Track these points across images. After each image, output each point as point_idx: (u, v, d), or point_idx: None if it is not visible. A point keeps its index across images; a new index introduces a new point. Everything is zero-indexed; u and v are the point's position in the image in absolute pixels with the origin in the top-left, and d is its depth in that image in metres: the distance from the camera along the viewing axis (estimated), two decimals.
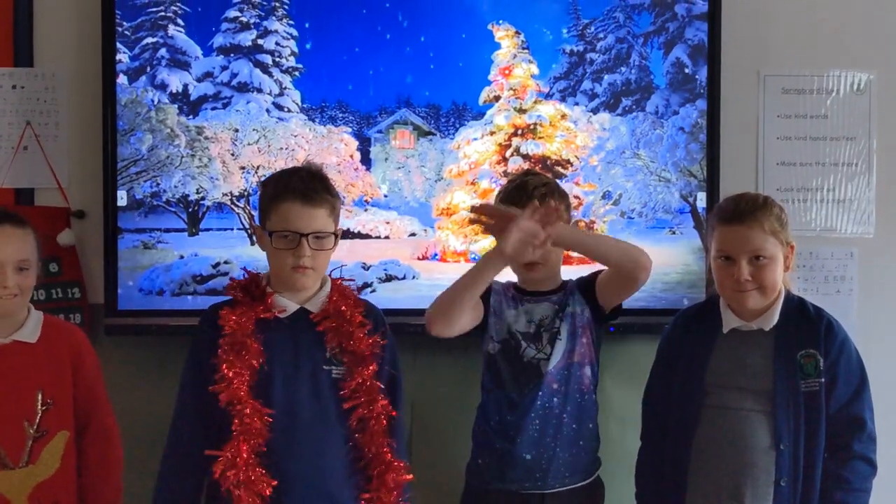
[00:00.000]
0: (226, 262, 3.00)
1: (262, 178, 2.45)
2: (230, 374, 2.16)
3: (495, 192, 2.75)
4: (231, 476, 2.11)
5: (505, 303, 2.58)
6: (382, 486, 2.23)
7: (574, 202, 3.03)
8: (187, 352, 2.33)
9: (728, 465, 2.36)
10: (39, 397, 2.35)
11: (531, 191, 2.51)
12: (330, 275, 2.36)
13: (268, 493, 2.13)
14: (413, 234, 3.08)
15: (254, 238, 2.98)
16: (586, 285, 2.57)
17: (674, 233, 3.06)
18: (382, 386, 2.27)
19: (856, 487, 2.33)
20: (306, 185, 2.25)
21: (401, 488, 2.26)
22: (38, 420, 2.34)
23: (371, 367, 2.25)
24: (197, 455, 2.20)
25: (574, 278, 2.63)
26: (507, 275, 2.67)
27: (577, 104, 3.08)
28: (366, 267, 3.03)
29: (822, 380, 2.35)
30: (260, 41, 3.03)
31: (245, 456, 2.13)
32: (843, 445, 2.34)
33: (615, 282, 2.49)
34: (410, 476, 2.29)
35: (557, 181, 2.74)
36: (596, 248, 2.44)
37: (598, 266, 2.53)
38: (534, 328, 2.54)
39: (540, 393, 2.49)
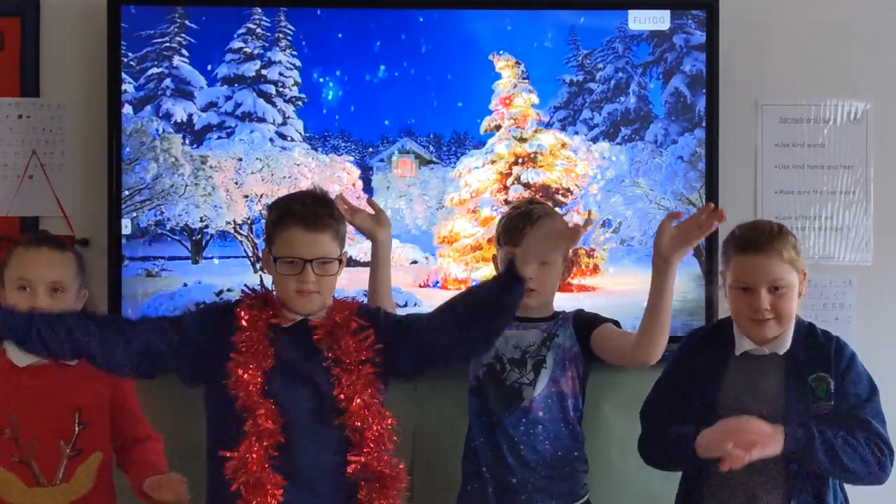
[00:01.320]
0: (229, 290, 3.03)
1: (267, 203, 2.46)
2: (245, 377, 2.18)
3: (497, 219, 2.78)
4: (241, 477, 2.13)
5: None
6: (377, 494, 2.23)
7: None
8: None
9: (742, 483, 2.38)
10: (76, 417, 2.39)
11: (535, 219, 2.54)
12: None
13: (279, 493, 2.15)
14: (415, 262, 3.11)
15: (257, 266, 3.03)
16: (583, 326, 2.58)
17: None
18: (380, 386, 2.27)
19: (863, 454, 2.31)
20: (309, 210, 2.26)
21: (395, 494, 2.25)
22: (74, 439, 2.38)
23: (363, 373, 2.24)
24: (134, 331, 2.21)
25: (570, 310, 2.65)
26: None
27: (576, 133, 3.11)
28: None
29: (832, 402, 2.38)
30: (263, 71, 3.07)
31: (256, 457, 2.14)
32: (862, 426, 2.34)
33: (614, 354, 2.53)
34: (403, 483, 2.27)
35: (559, 210, 2.78)
36: (663, 312, 2.36)
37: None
38: (519, 354, 2.57)
39: (524, 419, 2.52)
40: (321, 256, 2.25)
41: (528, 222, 2.54)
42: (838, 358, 2.42)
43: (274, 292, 2.32)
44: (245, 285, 2.36)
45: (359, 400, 2.23)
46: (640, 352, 2.42)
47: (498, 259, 2.67)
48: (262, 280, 2.37)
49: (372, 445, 2.23)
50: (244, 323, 2.24)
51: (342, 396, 2.23)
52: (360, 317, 2.31)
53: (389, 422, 2.27)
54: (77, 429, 2.39)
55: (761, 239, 2.39)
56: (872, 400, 2.40)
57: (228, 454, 2.16)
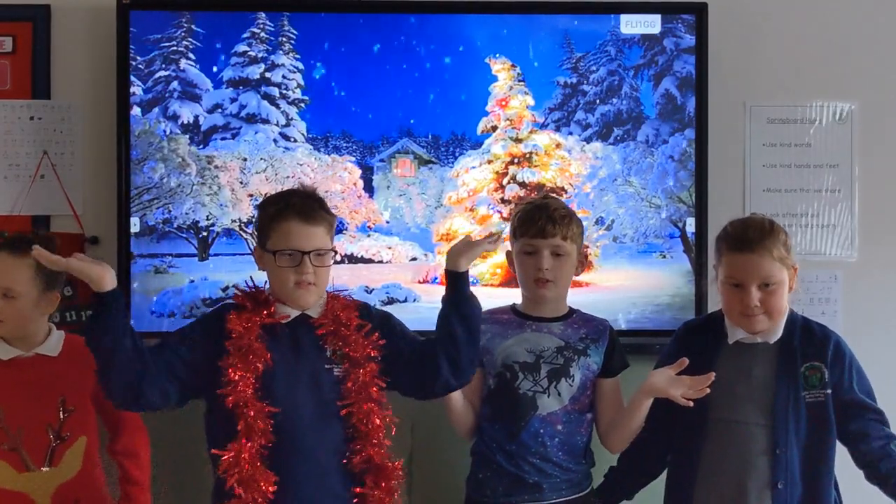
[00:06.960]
0: (234, 286, 3.02)
1: (258, 202, 2.50)
2: (236, 378, 2.22)
3: (513, 213, 2.77)
4: (234, 475, 2.18)
5: (499, 333, 2.62)
6: (377, 486, 2.29)
7: None
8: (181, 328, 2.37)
9: (731, 469, 2.46)
10: (61, 404, 2.47)
11: (551, 212, 2.57)
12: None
13: (271, 490, 2.19)
14: (414, 259, 3.19)
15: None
16: (614, 361, 2.64)
17: (664, 257, 3.17)
18: (383, 385, 2.33)
19: None
20: (305, 203, 2.33)
21: (393, 489, 2.31)
22: (59, 425, 2.46)
23: (368, 369, 2.31)
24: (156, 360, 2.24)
25: (588, 313, 2.68)
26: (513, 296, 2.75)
27: (570, 134, 3.19)
28: (368, 290, 3.13)
29: (828, 391, 2.44)
30: (267, 74, 3.14)
31: (248, 455, 2.18)
32: (878, 420, 2.46)
33: (598, 410, 2.63)
34: (400, 478, 2.34)
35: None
36: (634, 430, 2.56)
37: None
38: (533, 358, 2.57)
39: (542, 431, 2.54)
40: (317, 248, 2.31)
41: (545, 214, 2.56)
42: (839, 356, 2.47)
43: (266, 289, 2.38)
44: (234, 286, 2.42)
45: (365, 394, 2.30)
46: (607, 441, 2.64)
47: (512, 253, 2.65)
48: (252, 280, 2.41)
49: (375, 439, 2.30)
50: (235, 326, 2.28)
51: (352, 389, 2.29)
52: (361, 317, 2.38)
53: (388, 416, 2.34)
54: (62, 416, 2.47)
55: (752, 237, 2.43)
56: (872, 393, 2.51)
57: (221, 452, 2.20)
